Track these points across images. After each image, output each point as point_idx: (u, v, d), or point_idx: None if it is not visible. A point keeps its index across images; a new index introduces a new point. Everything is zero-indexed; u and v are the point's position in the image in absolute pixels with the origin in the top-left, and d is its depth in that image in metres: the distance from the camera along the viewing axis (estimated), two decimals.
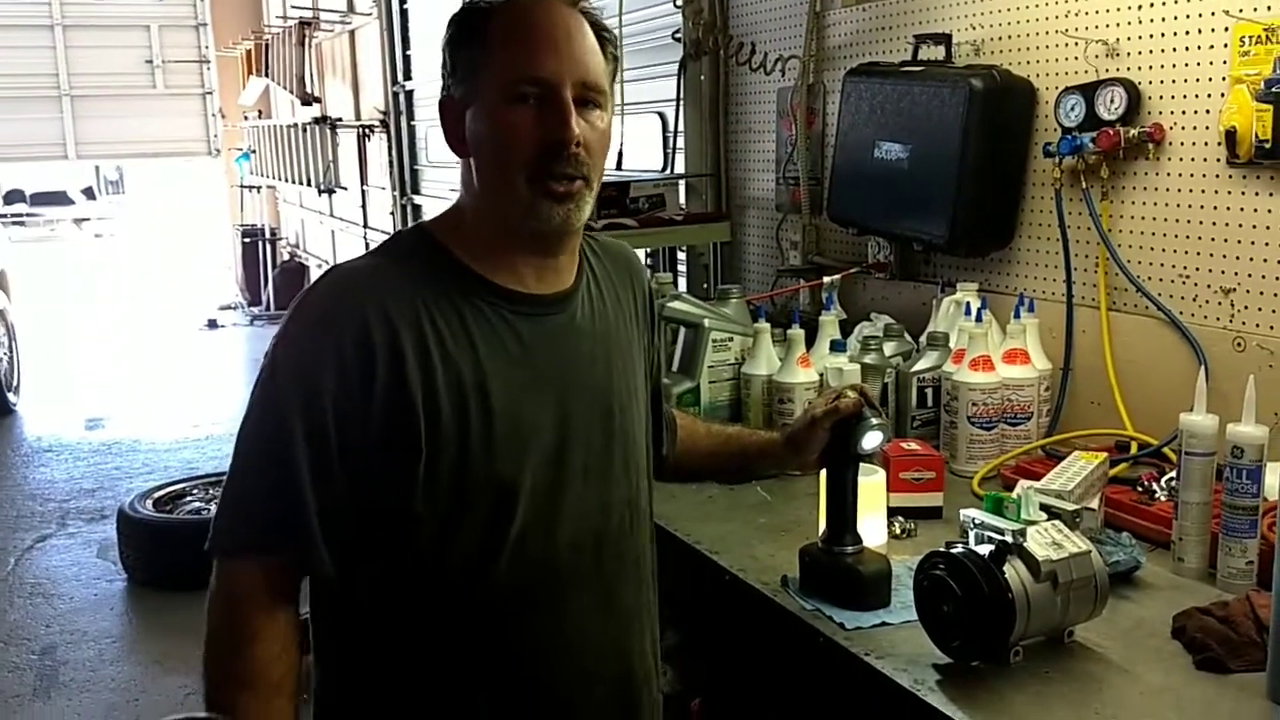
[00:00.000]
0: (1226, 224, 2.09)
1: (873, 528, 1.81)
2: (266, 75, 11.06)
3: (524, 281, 1.38)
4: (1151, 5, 2.18)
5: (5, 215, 20.07)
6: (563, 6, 1.34)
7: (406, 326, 1.29)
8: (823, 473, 1.72)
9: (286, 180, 10.94)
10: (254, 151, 12.40)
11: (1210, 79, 2.08)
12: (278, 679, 1.30)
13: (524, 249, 1.38)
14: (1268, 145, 1.94)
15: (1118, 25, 2.25)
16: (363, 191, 9.20)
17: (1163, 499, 1.91)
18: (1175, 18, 2.13)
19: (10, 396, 7.94)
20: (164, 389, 8.61)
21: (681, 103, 3.68)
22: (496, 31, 1.32)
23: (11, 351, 8.09)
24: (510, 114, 1.31)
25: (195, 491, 5.25)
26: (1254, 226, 2.04)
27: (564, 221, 1.34)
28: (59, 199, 23.85)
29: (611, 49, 1.38)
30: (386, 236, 1.54)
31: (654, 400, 1.62)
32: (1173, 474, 1.85)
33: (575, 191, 1.33)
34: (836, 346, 2.43)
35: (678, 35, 3.64)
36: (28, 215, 22.94)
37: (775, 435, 1.76)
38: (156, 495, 5.12)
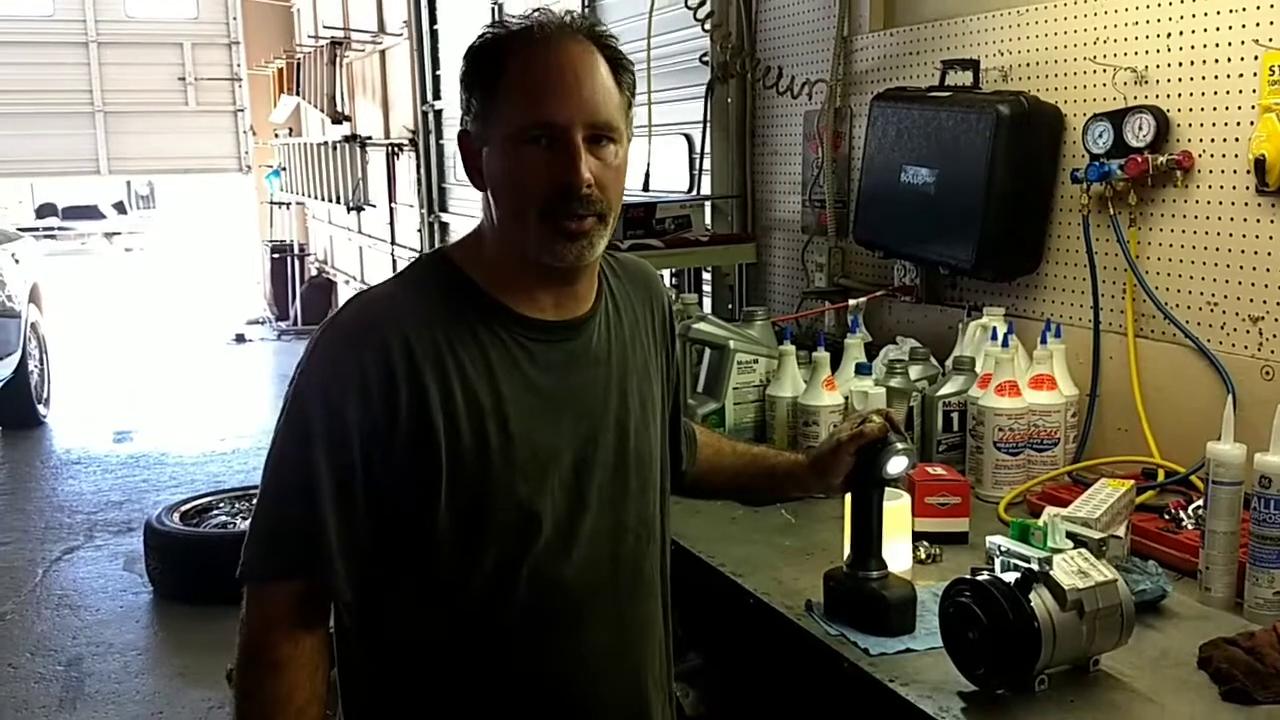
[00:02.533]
0: (1255, 252, 2.08)
1: (898, 552, 1.81)
2: (298, 93, 11.17)
3: (542, 309, 1.40)
4: (1180, 34, 2.18)
5: (37, 229, 20.30)
6: (574, 44, 1.34)
7: (427, 353, 1.31)
8: (848, 496, 1.73)
9: (316, 197, 11.03)
10: (284, 168, 12.52)
11: (1239, 107, 2.08)
12: (301, 704, 1.32)
13: (542, 279, 1.40)
14: None
15: (1146, 53, 2.25)
16: (391, 209, 9.27)
17: (1190, 527, 1.90)
18: (1204, 46, 2.14)
19: (40, 409, 8.02)
20: (192, 403, 8.68)
21: (708, 125, 3.71)
22: (509, 74, 1.33)
23: (42, 364, 8.18)
24: (522, 155, 1.33)
25: (222, 505, 5.29)
26: None
27: (577, 258, 1.36)
28: (90, 213, 24.13)
29: (628, 78, 1.39)
30: (410, 258, 1.56)
31: (673, 416, 1.63)
32: (1200, 502, 1.85)
33: (588, 229, 1.34)
34: (862, 369, 2.43)
35: (705, 59, 3.67)
36: (59, 229, 23.20)
37: (801, 457, 1.76)
38: (183, 508, 5.15)
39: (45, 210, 23.95)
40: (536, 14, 1.38)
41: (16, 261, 7.81)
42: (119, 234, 24.20)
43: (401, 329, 1.31)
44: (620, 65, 1.38)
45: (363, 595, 1.36)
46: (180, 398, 8.88)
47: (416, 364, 1.30)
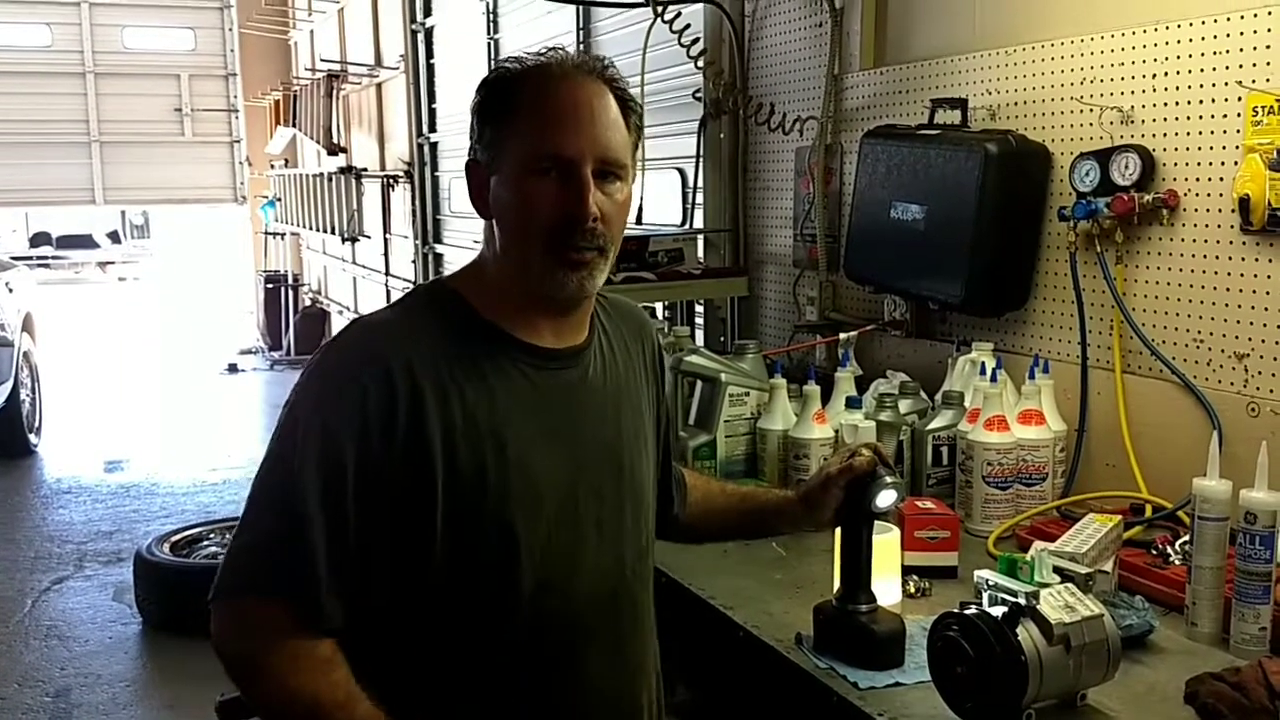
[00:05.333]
0: (1240, 290, 2.11)
1: (887, 586, 1.82)
2: (294, 125, 11.23)
3: (541, 336, 1.42)
4: (1166, 74, 2.22)
5: (31, 258, 20.30)
6: (588, 81, 1.38)
7: (428, 376, 1.32)
8: (838, 530, 1.73)
9: (310, 228, 11.07)
10: (279, 199, 12.56)
11: (1224, 147, 2.11)
12: (343, 698, 1.27)
13: (541, 308, 1.41)
14: None
15: (1132, 93, 2.28)
16: (385, 240, 9.31)
17: (1177, 563, 1.91)
18: (1189, 87, 2.17)
19: (31, 438, 7.99)
20: (183, 432, 8.66)
21: (701, 160, 3.74)
22: (522, 105, 1.36)
23: (34, 393, 8.16)
24: (531, 186, 1.35)
25: (212, 536, 5.26)
26: (1268, 293, 2.06)
27: (578, 289, 1.38)
28: (84, 242, 24.12)
29: (635, 119, 1.42)
30: (405, 289, 1.57)
31: (664, 456, 1.64)
32: (1187, 538, 1.86)
33: (589, 261, 1.37)
34: (852, 403, 2.45)
35: (698, 95, 3.71)
36: (53, 258, 23.18)
37: (790, 494, 1.77)
38: (173, 539, 5.13)
39: (39, 239, 23.94)
40: (552, 52, 1.40)
41: (10, 290, 7.81)
42: (113, 263, 24.18)
43: (404, 352, 1.32)
44: (629, 107, 1.41)
45: (361, 624, 1.33)
46: (172, 427, 8.86)
47: (418, 387, 1.31)
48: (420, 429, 1.30)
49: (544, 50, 1.41)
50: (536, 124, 1.35)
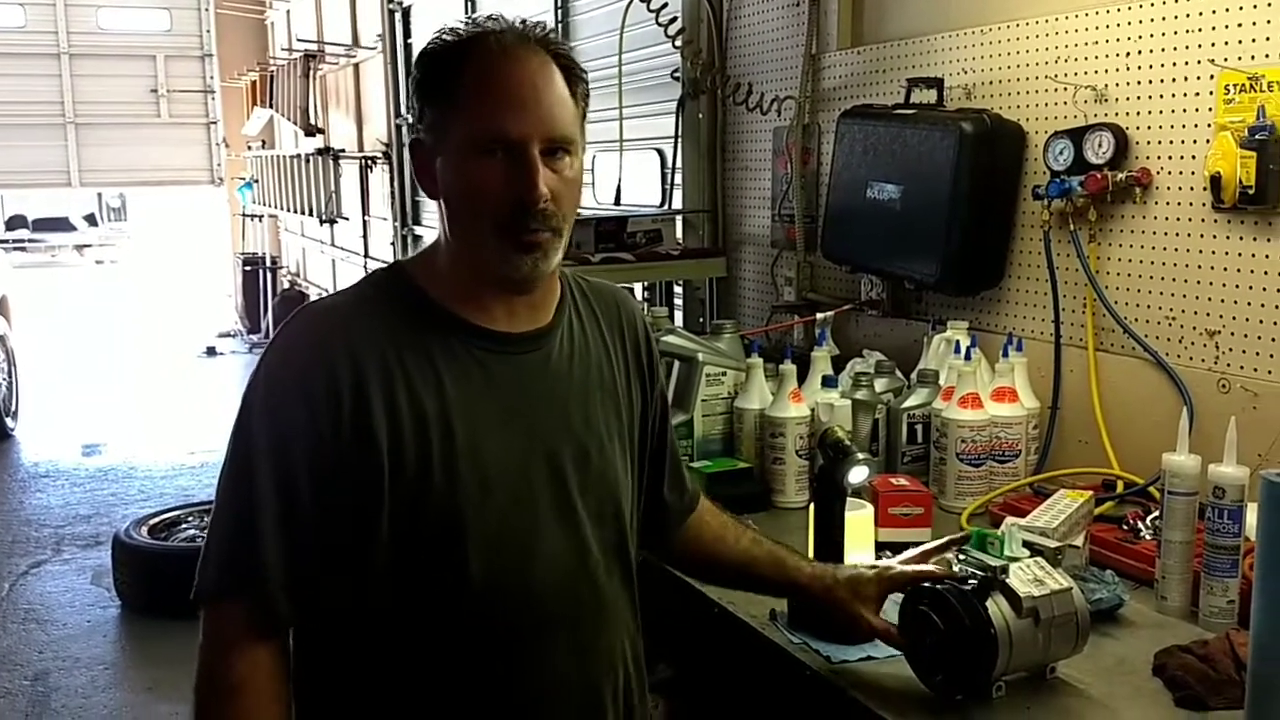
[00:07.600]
0: (1212, 267, 2.13)
1: (861, 562, 1.82)
2: (271, 106, 11.15)
3: (494, 319, 1.38)
4: (1139, 53, 2.23)
5: (7, 241, 20.15)
6: (530, 55, 1.33)
7: (372, 362, 1.30)
8: (811, 506, 1.74)
9: (288, 210, 11.01)
10: (256, 181, 12.48)
11: (1196, 125, 2.13)
12: None
13: (494, 290, 1.38)
14: (1251, 191, 1.99)
15: (1106, 72, 2.30)
16: (364, 222, 9.27)
17: (1147, 538, 1.93)
18: (1162, 65, 2.18)
19: (8, 421, 7.95)
20: (162, 416, 8.62)
21: (680, 140, 3.74)
22: (464, 85, 1.32)
23: (10, 377, 8.11)
24: (479, 168, 1.31)
25: (190, 519, 5.25)
26: (1238, 270, 2.08)
27: (532, 270, 1.34)
28: (61, 225, 23.94)
29: (582, 88, 1.37)
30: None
31: (656, 451, 1.59)
32: (1157, 513, 1.88)
33: (543, 242, 1.33)
34: (828, 382, 2.45)
35: (676, 75, 3.71)
36: (29, 241, 23.01)
37: (827, 578, 1.62)
38: (151, 522, 5.12)
39: (15, 222, 23.74)
40: (490, 21, 1.36)
41: None
42: (90, 246, 24.00)
43: (347, 338, 1.31)
44: (574, 75, 1.36)
45: (309, 618, 1.33)
46: (150, 411, 8.82)
47: (361, 373, 1.29)
48: (365, 418, 1.28)
49: (479, 19, 1.37)
50: (479, 105, 1.31)
